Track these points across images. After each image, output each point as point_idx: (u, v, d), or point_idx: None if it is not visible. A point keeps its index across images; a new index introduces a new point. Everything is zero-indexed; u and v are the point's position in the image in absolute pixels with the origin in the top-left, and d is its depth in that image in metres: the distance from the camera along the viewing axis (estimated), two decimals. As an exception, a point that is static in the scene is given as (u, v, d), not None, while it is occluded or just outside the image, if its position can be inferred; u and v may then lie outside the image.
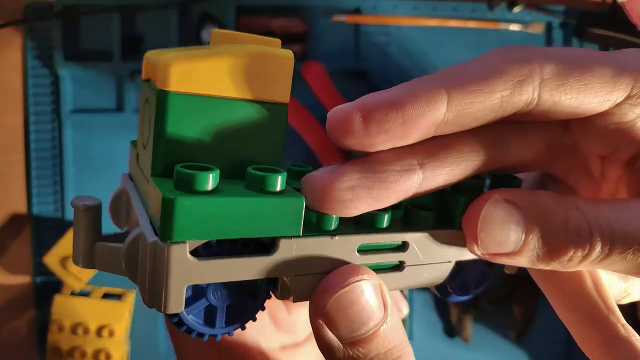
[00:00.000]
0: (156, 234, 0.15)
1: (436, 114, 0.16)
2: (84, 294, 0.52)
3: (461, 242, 0.19)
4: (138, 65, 0.53)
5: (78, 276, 0.50)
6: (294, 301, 0.18)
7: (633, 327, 0.38)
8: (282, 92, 0.17)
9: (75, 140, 0.54)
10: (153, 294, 0.15)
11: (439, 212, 0.20)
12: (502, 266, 0.21)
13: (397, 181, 0.17)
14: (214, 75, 0.16)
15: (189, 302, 0.16)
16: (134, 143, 0.20)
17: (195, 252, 0.15)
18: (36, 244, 0.53)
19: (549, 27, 0.59)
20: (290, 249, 0.17)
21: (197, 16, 0.54)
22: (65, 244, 0.50)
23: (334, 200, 0.16)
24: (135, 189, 0.19)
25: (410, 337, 0.58)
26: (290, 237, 0.16)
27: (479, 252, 0.18)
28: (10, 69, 0.54)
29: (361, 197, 0.16)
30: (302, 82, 0.52)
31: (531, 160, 0.20)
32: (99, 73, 0.54)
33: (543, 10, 0.58)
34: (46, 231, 0.53)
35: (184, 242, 0.15)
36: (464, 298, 0.22)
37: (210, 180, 0.15)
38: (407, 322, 0.58)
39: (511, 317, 0.58)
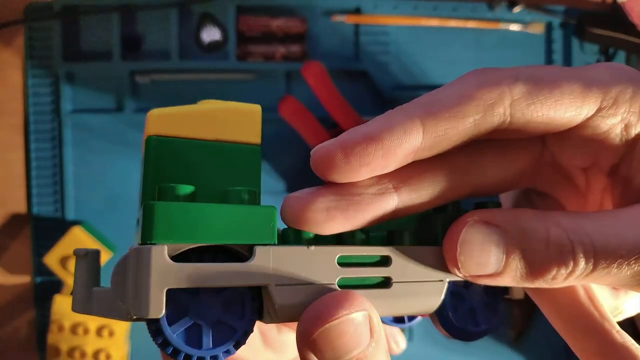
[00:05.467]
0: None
1: (413, 143, 0.17)
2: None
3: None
4: (138, 65, 0.53)
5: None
6: (278, 320, 0.17)
7: (636, 338, 0.38)
8: (252, 135, 0.19)
9: (74, 140, 0.54)
10: (135, 298, 0.16)
11: (422, 233, 0.20)
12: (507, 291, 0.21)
13: (371, 204, 0.18)
14: (190, 121, 0.18)
15: (172, 320, 0.17)
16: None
17: (175, 260, 0.16)
18: (36, 244, 0.54)
19: (549, 27, 0.59)
20: (266, 256, 0.17)
21: (197, 16, 0.54)
22: (65, 244, 0.51)
23: (308, 220, 0.17)
24: None
25: (410, 338, 0.58)
26: (266, 244, 0.17)
27: (460, 275, 0.18)
28: (10, 68, 0.54)
29: (335, 218, 0.17)
30: (302, 81, 0.53)
31: (512, 179, 0.20)
32: (98, 73, 0.54)
33: (543, 10, 0.58)
34: (46, 231, 0.53)
35: (162, 244, 0.16)
36: (475, 336, 0.20)
37: (188, 191, 0.17)
38: (406, 331, 0.58)
39: (510, 318, 0.58)
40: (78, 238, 0.51)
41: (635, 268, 0.17)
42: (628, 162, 0.19)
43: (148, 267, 0.15)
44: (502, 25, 0.57)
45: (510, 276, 0.17)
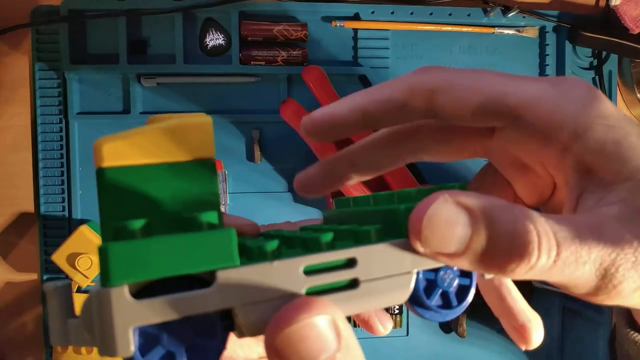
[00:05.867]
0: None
1: (354, 116, 0.23)
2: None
3: (414, 250, 0.19)
4: (144, 69, 0.54)
5: (85, 273, 0.52)
6: (248, 336, 0.17)
7: (631, 328, 0.39)
8: (206, 150, 0.19)
9: (82, 141, 0.54)
10: (103, 341, 0.16)
11: (385, 226, 0.20)
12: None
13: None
14: (140, 147, 0.18)
15: (145, 350, 0.17)
16: None
17: (139, 296, 0.16)
18: (43, 242, 0.54)
19: (542, 31, 0.60)
20: (229, 279, 0.17)
21: (201, 21, 0.55)
22: (73, 243, 0.51)
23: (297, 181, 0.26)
24: None
25: (406, 334, 0.59)
26: (227, 267, 0.17)
27: (421, 249, 0.18)
28: (18, 71, 0.54)
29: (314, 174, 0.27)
30: (303, 85, 0.54)
31: (459, 157, 0.25)
32: (105, 76, 0.55)
33: (537, 15, 0.59)
34: (53, 230, 0.54)
35: (121, 285, 0.16)
36: (451, 315, 0.21)
37: (141, 227, 0.16)
38: (404, 319, 0.59)
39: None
40: (85, 236, 0.51)
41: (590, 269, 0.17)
42: (579, 149, 0.20)
43: (110, 311, 0.15)
44: (497, 30, 0.58)
45: (469, 259, 0.17)
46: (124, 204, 0.18)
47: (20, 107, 0.55)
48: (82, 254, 0.51)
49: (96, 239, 0.52)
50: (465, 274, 0.21)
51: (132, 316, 0.16)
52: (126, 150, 0.17)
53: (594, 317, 0.57)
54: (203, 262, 0.16)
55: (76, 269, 0.51)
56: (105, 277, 0.16)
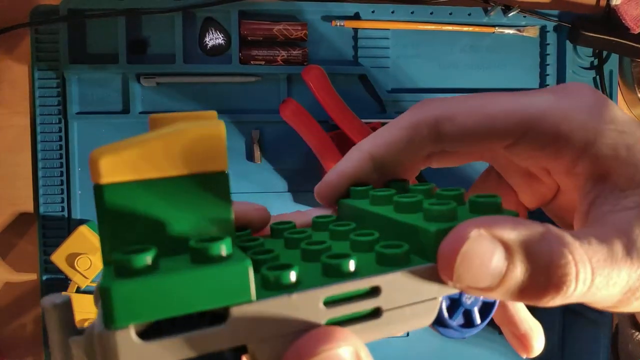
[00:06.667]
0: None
1: (366, 171, 0.23)
2: (90, 292, 0.53)
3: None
4: (143, 69, 0.54)
5: (84, 274, 0.52)
6: None
7: (636, 329, 0.39)
8: (218, 162, 0.17)
9: (81, 140, 0.54)
10: None
11: (411, 244, 0.18)
12: None
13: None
14: (143, 159, 0.16)
15: None
16: None
17: (146, 335, 0.15)
18: (43, 242, 0.54)
19: (543, 31, 0.60)
20: (244, 315, 0.15)
21: (200, 20, 0.55)
22: (72, 243, 0.51)
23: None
24: None
25: (406, 334, 0.59)
26: (242, 303, 0.15)
27: (451, 285, 0.17)
28: (17, 71, 0.54)
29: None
30: (303, 84, 0.54)
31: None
32: (104, 75, 0.55)
33: (538, 15, 0.59)
34: (53, 230, 0.54)
35: (127, 327, 0.14)
36: (472, 332, 0.20)
37: (148, 260, 0.15)
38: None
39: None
40: (84, 237, 0.51)
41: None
42: (591, 157, 0.20)
43: (116, 355, 0.14)
44: (497, 30, 0.58)
45: (502, 293, 0.17)
46: (126, 226, 0.16)
47: (20, 107, 0.55)
48: (82, 254, 0.51)
49: (96, 240, 0.52)
50: None
51: (140, 358, 0.15)
52: (127, 163, 0.15)
53: (595, 318, 0.57)
54: (216, 299, 0.15)
55: (75, 269, 0.51)
56: (110, 319, 0.14)
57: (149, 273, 0.15)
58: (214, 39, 0.55)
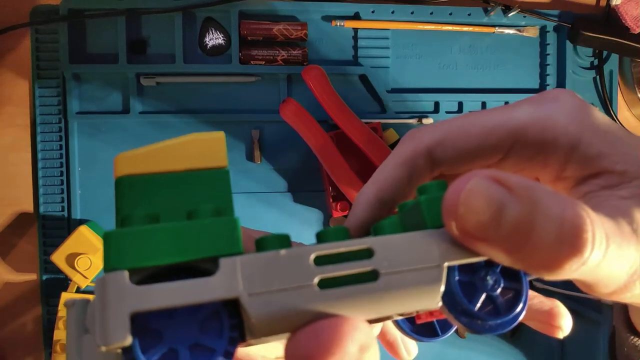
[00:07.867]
0: None
1: (374, 212, 0.23)
2: (90, 291, 0.53)
3: (443, 241, 0.17)
4: (143, 68, 0.54)
5: (84, 274, 0.52)
6: (259, 335, 0.16)
7: (629, 331, 0.39)
8: (219, 159, 0.19)
9: (81, 141, 0.54)
10: (100, 327, 0.15)
11: (407, 218, 0.18)
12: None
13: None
14: (157, 157, 0.18)
15: (147, 347, 0.16)
16: None
17: (140, 284, 0.16)
18: (43, 242, 0.54)
19: (543, 31, 0.60)
20: (233, 267, 0.16)
21: (200, 20, 0.55)
22: (72, 243, 0.51)
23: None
24: None
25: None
26: (231, 255, 0.16)
27: (455, 231, 0.16)
28: (17, 70, 0.54)
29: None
30: (302, 84, 0.54)
31: None
32: (104, 75, 0.55)
33: (538, 14, 0.59)
34: (53, 230, 0.54)
35: (121, 270, 0.15)
36: (503, 325, 0.18)
37: (146, 214, 0.17)
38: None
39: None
40: (84, 237, 0.51)
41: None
42: (577, 160, 0.20)
43: (107, 293, 0.15)
44: (497, 30, 0.58)
45: (507, 249, 0.15)
46: (138, 205, 0.18)
47: (20, 107, 0.55)
48: (82, 254, 0.51)
49: (95, 240, 0.52)
50: (511, 277, 0.18)
51: (129, 301, 0.15)
52: (144, 159, 0.18)
53: (594, 318, 0.57)
54: (206, 249, 0.16)
55: (75, 269, 0.51)
56: (107, 262, 0.16)
57: (150, 222, 0.16)
58: (214, 38, 0.55)
